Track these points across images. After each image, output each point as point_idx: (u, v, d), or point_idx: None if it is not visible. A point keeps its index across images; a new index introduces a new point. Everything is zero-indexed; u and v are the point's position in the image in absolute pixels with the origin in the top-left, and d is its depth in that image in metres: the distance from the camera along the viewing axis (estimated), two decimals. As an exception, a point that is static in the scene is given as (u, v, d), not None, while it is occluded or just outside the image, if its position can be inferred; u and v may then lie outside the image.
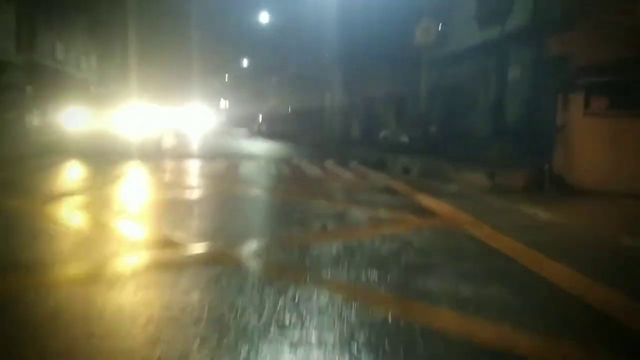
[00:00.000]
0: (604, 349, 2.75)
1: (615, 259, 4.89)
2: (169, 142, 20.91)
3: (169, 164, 12.15)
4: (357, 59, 21.35)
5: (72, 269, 3.88)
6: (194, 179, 9.62)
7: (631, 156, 9.47)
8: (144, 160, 11.99)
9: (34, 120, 14.66)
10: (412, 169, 12.56)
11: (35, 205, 6.36)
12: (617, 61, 10.14)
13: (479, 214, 7.07)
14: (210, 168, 11.97)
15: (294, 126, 29.69)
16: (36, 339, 2.55)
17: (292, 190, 8.77)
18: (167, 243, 4.69)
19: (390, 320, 2.96)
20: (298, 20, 31.33)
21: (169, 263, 4.04)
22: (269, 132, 31.16)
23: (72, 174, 10.24)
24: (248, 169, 11.97)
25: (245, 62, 59.64)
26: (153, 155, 13.45)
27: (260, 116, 39.28)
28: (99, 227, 5.30)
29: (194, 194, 7.89)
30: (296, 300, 3.24)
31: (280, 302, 3.17)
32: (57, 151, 12.07)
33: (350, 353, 2.53)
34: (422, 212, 7.11)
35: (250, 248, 4.61)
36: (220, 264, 4.04)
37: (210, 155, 15.63)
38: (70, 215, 5.82)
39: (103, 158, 11.48)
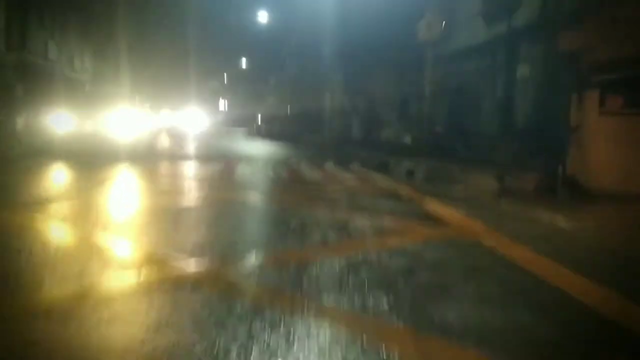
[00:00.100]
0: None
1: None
2: (163, 143, 20.34)
3: (160, 167, 11.58)
4: (357, 57, 20.75)
5: (33, 297, 3.31)
6: (186, 184, 9.04)
7: (650, 157, 8.94)
8: (134, 163, 11.41)
9: (23, 121, 14.10)
10: (417, 172, 11.98)
11: (9, 214, 5.79)
12: (633, 57, 9.58)
13: (492, 221, 6.51)
14: (204, 171, 11.40)
15: (293, 126, 29.11)
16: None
17: (290, 196, 8.20)
18: (150, 260, 4.12)
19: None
20: (297, 19, 30.76)
21: (149, 287, 3.47)
22: (268, 132, 30.60)
23: (55, 178, 9.66)
24: (244, 171, 11.39)
25: (244, 63, 59.09)
26: (145, 157, 12.88)
27: (259, 116, 38.74)
28: (75, 241, 4.73)
29: (184, 200, 7.31)
30: (291, 337, 2.67)
31: (272, 341, 2.60)
32: (44, 154, 11.49)
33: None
34: (431, 220, 6.54)
35: (242, 266, 4.04)
36: (207, 286, 3.48)
37: (206, 157, 15.06)
38: (43, 226, 5.25)
39: (91, 161, 10.90)
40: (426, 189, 9.75)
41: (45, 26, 24.36)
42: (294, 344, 2.58)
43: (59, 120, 11.37)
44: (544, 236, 5.99)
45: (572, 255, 4.96)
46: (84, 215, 5.92)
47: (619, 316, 3.24)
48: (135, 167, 10.98)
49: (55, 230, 5.11)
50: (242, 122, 48.73)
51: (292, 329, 2.76)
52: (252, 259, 4.26)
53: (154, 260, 4.13)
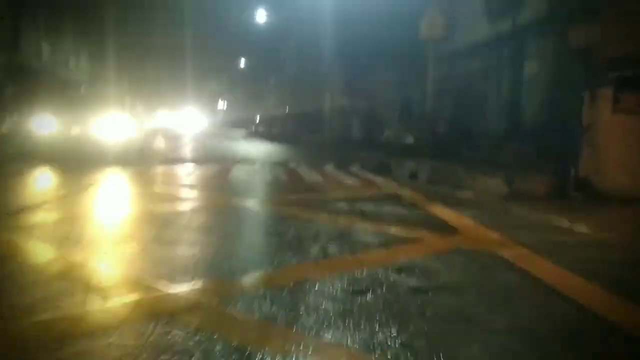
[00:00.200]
0: None
1: None
2: (158, 145, 19.82)
3: (153, 170, 11.03)
4: (357, 56, 20.24)
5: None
6: (177, 189, 8.50)
7: (668, 157, 8.44)
8: (126, 167, 10.88)
9: (11, 123, 13.58)
10: (420, 174, 11.47)
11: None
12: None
13: (506, 229, 6.00)
14: (198, 174, 10.87)
15: (292, 127, 28.62)
16: None
17: (288, 201, 7.68)
18: (124, 283, 3.60)
19: None
20: (296, 18, 30.25)
21: (118, 317, 2.95)
22: (267, 133, 30.12)
23: (35, 184, 9.12)
24: (240, 175, 10.87)
25: (243, 63, 58.61)
26: (139, 160, 12.35)
27: (258, 117, 38.26)
28: (43, 260, 4.20)
29: (172, 208, 6.76)
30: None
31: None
32: (29, 157, 10.94)
33: None
34: (440, 227, 6.02)
35: (229, 290, 3.52)
36: (185, 317, 2.95)
37: (202, 159, 14.52)
38: (11, 242, 4.72)
39: (78, 164, 10.35)
40: (431, 193, 9.24)
41: (38, 26, 23.84)
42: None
43: (47, 123, 10.81)
44: (566, 246, 5.47)
45: (599, 270, 4.45)
46: (60, 226, 5.39)
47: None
48: (127, 170, 10.44)
49: (19, 247, 4.58)
50: (241, 123, 48.25)
51: (284, 378, 2.24)
52: (242, 281, 3.73)
53: (129, 282, 3.60)
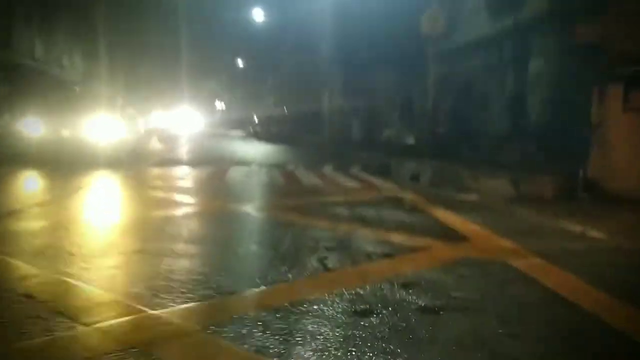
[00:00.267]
0: None
1: None
2: (153, 146, 19.43)
3: (146, 173, 10.64)
4: (357, 54, 19.83)
5: None
6: (169, 193, 8.10)
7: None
8: (117, 169, 10.49)
9: (1, 123, 13.17)
10: (422, 175, 11.10)
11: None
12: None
13: (515, 235, 5.63)
14: (192, 177, 10.48)
15: (290, 127, 28.22)
16: None
17: (284, 206, 7.30)
18: (101, 304, 3.22)
19: None
20: (294, 16, 29.84)
21: (65, 355, 2.57)
22: (265, 133, 29.70)
23: (23, 188, 8.73)
24: (236, 177, 10.49)
25: (241, 63, 58.16)
26: (131, 162, 11.96)
27: (256, 117, 37.86)
28: (15, 274, 3.83)
29: (163, 214, 6.37)
30: None
31: None
32: (17, 159, 10.52)
33: None
34: (446, 234, 5.65)
35: (213, 313, 3.14)
36: (159, 350, 2.57)
37: (197, 161, 14.13)
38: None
39: (68, 167, 9.94)
40: (434, 196, 8.88)
41: (32, 24, 23.40)
42: None
43: (37, 124, 10.40)
44: (582, 254, 5.11)
45: (623, 284, 4.09)
46: (37, 236, 5.01)
47: None
48: (116, 173, 10.05)
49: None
50: (239, 123, 47.83)
51: None
52: (231, 302, 3.35)
53: (106, 302, 3.23)
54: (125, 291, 3.43)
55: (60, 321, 2.88)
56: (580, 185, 9.01)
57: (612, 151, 9.01)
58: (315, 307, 3.25)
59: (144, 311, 3.06)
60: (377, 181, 10.71)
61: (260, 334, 2.79)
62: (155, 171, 11.00)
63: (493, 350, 2.72)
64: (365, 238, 5.27)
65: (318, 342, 2.72)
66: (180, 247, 4.66)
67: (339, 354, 2.59)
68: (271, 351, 2.59)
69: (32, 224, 5.53)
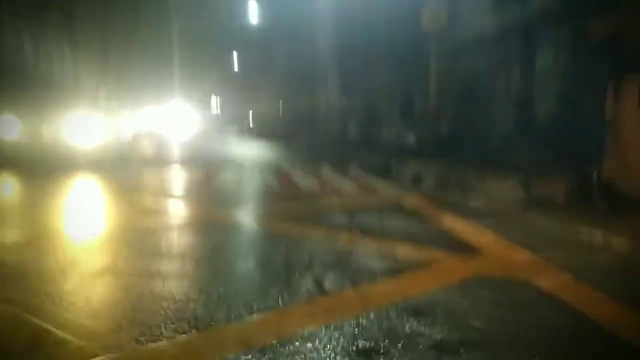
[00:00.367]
0: None
1: None
2: (143, 147, 18.78)
3: (131, 176, 10.02)
4: (355, 51, 19.22)
5: None
6: (153, 199, 7.50)
7: None
8: (99, 172, 9.88)
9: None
10: (424, 177, 10.51)
11: None
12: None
13: (535, 246, 5.06)
14: (180, 181, 9.88)
15: (286, 126, 27.62)
16: None
17: (278, 214, 6.71)
18: (40, 344, 2.63)
19: None
20: (290, 12, 29.23)
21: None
22: (260, 132, 29.12)
23: None
24: (227, 181, 9.89)
25: (236, 61, 57.52)
26: (116, 164, 11.35)
27: (251, 117, 37.26)
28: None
29: (142, 224, 5.77)
30: None
31: None
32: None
33: None
34: (456, 246, 5.06)
35: (186, 355, 2.56)
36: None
37: (187, 162, 13.54)
38: None
39: (42, 172, 9.28)
40: (438, 199, 8.29)
41: (19, 20, 22.72)
42: None
43: (15, 126, 9.77)
44: (610, 270, 4.52)
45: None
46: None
47: None
48: (96, 178, 9.43)
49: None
50: (234, 122, 47.25)
51: None
52: (207, 340, 2.76)
53: (59, 341, 2.64)
54: (76, 326, 2.84)
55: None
56: (595, 187, 8.45)
57: (629, 151, 8.44)
58: (308, 344, 2.67)
59: (97, 354, 2.47)
60: (377, 183, 10.13)
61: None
62: (141, 174, 10.38)
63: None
64: (367, 251, 4.69)
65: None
66: (155, 265, 4.07)
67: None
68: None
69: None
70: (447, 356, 2.64)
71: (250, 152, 20.06)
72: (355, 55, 19.42)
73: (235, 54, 55.17)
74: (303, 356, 2.54)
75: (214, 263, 4.14)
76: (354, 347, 2.67)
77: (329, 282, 3.76)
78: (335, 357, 2.55)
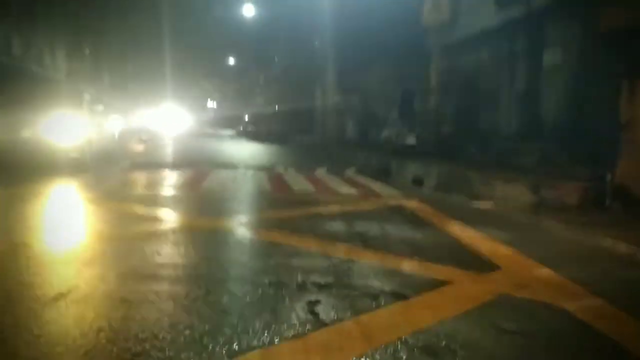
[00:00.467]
0: None
1: None
2: (133, 147, 18.19)
3: (113, 180, 9.41)
4: (352, 47, 18.63)
5: None
6: (132, 205, 6.88)
7: None
8: (79, 175, 9.28)
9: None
10: (426, 179, 9.97)
11: None
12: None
13: (555, 260, 4.51)
14: (166, 184, 9.28)
15: (282, 126, 27.01)
16: None
17: (269, 221, 6.14)
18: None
19: None
20: (286, 9, 28.64)
21: None
22: (255, 133, 28.50)
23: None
24: (217, 183, 9.30)
25: (232, 60, 56.87)
26: (99, 166, 10.75)
27: (246, 116, 36.67)
28: None
29: (111, 235, 5.18)
30: None
31: None
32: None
33: None
34: (468, 259, 4.50)
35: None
36: None
37: (177, 163, 12.94)
38: None
39: (15, 174, 8.65)
40: (443, 203, 7.75)
41: (8, 19, 22.06)
42: None
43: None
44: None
45: None
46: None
47: None
48: (74, 181, 8.81)
49: None
50: (229, 122, 46.67)
51: None
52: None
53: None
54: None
55: None
56: (609, 191, 7.91)
57: (646, 152, 7.92)
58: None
59: None
60: (376, 186, 9.58)
61: None
62: (125, 177, 9.77)
63: None
64: (368, 267, 4.12)
65: None
66: (122, 288, 3.47)
67: None
68: None
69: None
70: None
71: (244, 152, 19.47)
72: (353, 52, 18.84)
73: (231, 54, 54.54)
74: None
75: (191, 286, 3.55)
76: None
77: (324, 310, 3.18)
78: None
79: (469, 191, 8.74)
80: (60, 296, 3.24)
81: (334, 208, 7.04)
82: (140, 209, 6.42)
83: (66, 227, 5.45)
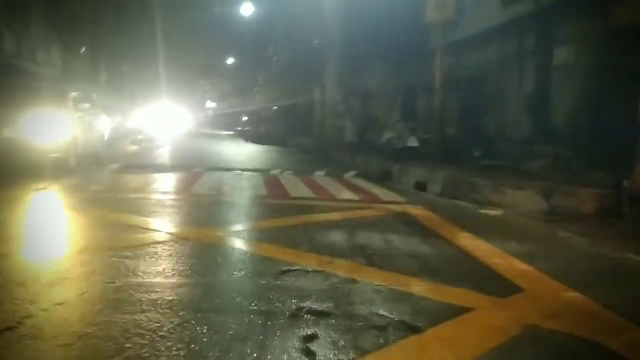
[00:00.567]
0: None
1: None
2: (126, 148, 17.67)
3: (95, 183, 8.85)
4: (352, 46, 18.10)
5: None
6: (111, 213, 6.34)
7: None
8: (59, 178, 8.75)
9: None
10: (430, 184, 9.46)
11: None
12: None
13: (583, 281, 4.00)
14: (154, 188, 8.74)
15: (280, 127, 26.48)
16: None
17: (262, 231, 5.63)
18: None
19: None
20: (284, 7, 28.12)
21: None
22: (253, 134, 27.96)
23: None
24: (209, 187, 8.78)
25: (231, 60, 56.38)
26: (83, 169, 10.22)
27: (244, 117, 36.15)
28: None
29: (81, 248, 4.64)
30: None
31: None
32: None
33: None
34: (487, 279, 3.98)
35: None
36: None
37: (170, 165, 12.42)
38: None
39: None
40: (449, 211, 7.24)
41: (0, 15, 21.52)
42: None
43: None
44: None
45: None
46: None
47: None
48: (53, 184, 8.27)
49: None
50: (227, 122, 46.16)
51: None
52: None
53: None
54: None
55: None
56: (626, 198, 7.41)
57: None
58: None
59: None
60: (378, 190, 9.07)
61: None
62: (111, 180, 9.24)
63: None
64: (373, 290, 3.60)
65: None
66: (73, 317, 2.94)
67: None
68: None
69: None
70: None
71: (240, 153, 18.95)
72: (353, 52, 18.32)
73: (229, 53, 54.06)
74: None
75: (165, 316, 3.02)
76: None
77: (321, 348, 2.66)
78: None
79: (476, 197, 8.24)
80: (7, 330, 2.72)
81: (334, 216, 6.52)
82: (122, 217, 5.89)
83: (35, 239, 4.93)
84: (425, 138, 12.15)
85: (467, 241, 5.32)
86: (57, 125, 8.67)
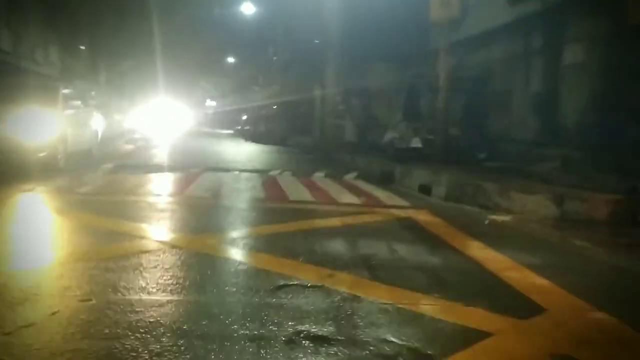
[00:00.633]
0: None
1: None
2: (122, 147, 17.31)
3: (84, 184, 8.48)
4: (354, 44, 17.73)
5: None
6: (96, 217, 5.99)
7: None
8: (45, 179, 8.38)
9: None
10: (435, 187, 9.08)
11: None
12: None
13: (606, 297, 3.66)
14: (146, 189, 8.37)
15: (280, 127, 26.09)
16: None
17: (258, 239, 5.27)
18: None
19: None
20: (285, 6, 27.75)
21: None
22: (253, 133, 27.59)
23: None
24: (205, 189, 8.42)
25: (232, 60, 55.99)
26: (73, 169, 9.86)
27: (244, 116, 35.78)
28: None
29: (60, 259, 4.29)
30: None
31: None
32: None
33: None
34: (503, 297, 3.63)
35: None
36: None
37: (166, 165, 12.05)
38: None
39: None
40: (455, 216, 6.87)
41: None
42: None
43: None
44: None
45: None
46: None
47: None
48: (38, 186, 7.90)
49: None
50: (228, 122, 45.79)
51: None
52: None
53: None
54: None
55: None
56: (640, 204, 7.06)
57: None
58: None
59: None
60: (380, 194, 8.71)
61: None
62: (102, 181, 8.87)
63: None
64: (378, 310, 3.23)
65: None
66: (33, 342, 2.58)
67: None
68: None
69: None
70: None
71: (239, 153, 18.58)
72: (354, 50, 17.96)
73: (230, 52, 53.67)
74: None
75: (144, 342, 2.66)
76: None
77: (321, 385, 2.30)
78: None
79: (483, 201, 7.87)
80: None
81: (335, 222, 6.16)
82: (109, 222, 5.53)
83: (9, 248, 4.57)
84: (429, 139, 11.78)
85: (477, 251, 4.96)
86: (44, 123, 8.31)
